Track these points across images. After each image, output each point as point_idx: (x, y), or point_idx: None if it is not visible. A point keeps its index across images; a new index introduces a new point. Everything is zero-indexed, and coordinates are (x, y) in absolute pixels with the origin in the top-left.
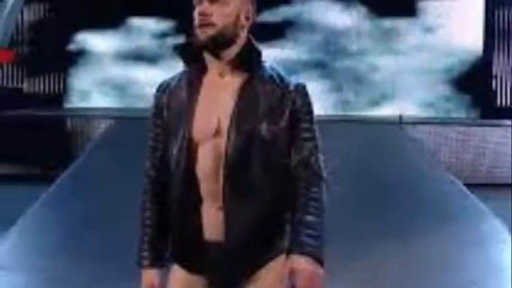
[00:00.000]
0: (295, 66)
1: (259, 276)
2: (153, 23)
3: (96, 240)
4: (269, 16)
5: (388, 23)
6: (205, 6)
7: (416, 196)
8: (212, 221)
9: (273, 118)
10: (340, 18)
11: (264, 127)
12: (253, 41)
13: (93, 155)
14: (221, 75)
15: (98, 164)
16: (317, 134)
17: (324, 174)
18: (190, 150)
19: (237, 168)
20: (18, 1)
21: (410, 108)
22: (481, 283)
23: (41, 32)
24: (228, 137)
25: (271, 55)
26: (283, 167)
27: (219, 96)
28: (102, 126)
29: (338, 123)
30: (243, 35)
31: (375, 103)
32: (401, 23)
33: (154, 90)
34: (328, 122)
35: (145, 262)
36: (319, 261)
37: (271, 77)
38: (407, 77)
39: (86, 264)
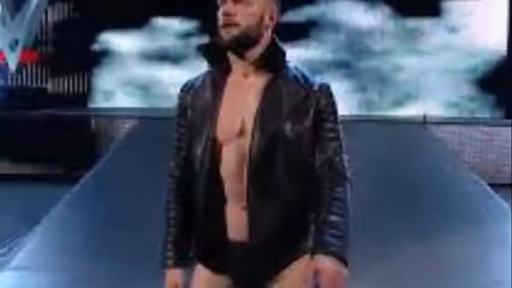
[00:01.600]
0: (319, 66)
1: (283, 276)
2: (177, 23)
3: (120, 240)
4: (293, 16)
5: (412, 23)
6: (229, 6)
7: (440, 196)
8: (236, 221)
9: (297, 118)
10: (364, 18)
11: (288, 127)
12: (277, 41)
13: (117, 155)
14: (245, 75)
15: (122, 164)
16: (341, 134)
17: (348, 174)
18: (215, 150)
19: (261, 169)
20: (42, 1)
21: (435, 108)
22: (506, 283)
23: (65, 32)
24: (252, 137)
25: (296, 55)
26: (307, 167)
27: (243, 97)
28: (126, 126)
29: (362, 123)
30: (267, 35)
31: (399, 103)
32: (425, 23)
33: (178, 90)
34: (353, 122)
35: (169, 262)
36: (343, 261)
37: (295, 77)
38: (432, 77)
39: (110, 263)
